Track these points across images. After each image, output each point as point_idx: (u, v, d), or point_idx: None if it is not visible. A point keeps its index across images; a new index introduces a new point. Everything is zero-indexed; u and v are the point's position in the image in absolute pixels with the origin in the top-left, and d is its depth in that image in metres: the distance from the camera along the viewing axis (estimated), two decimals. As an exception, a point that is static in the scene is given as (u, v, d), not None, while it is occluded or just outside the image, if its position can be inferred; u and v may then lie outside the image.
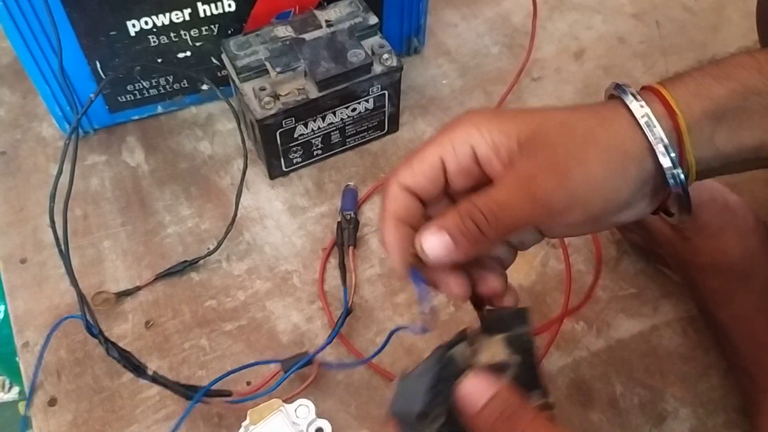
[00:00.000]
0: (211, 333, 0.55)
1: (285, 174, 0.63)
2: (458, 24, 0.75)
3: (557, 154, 0.33)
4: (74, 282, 0.48)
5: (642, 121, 0.33)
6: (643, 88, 0.35)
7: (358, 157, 0.65)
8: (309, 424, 0.48)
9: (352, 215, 0.59)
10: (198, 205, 0.62)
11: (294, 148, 0.61)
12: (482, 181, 0.35)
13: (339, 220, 0.59)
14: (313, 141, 0.61)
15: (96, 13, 0.57)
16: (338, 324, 0.53)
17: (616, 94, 0.34)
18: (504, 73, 0.71)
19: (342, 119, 0.61)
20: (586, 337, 0.54)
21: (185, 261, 0.57)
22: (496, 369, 0.34)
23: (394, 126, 0.65)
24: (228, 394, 0.50)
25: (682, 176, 0.33)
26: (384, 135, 0.65)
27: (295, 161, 0.62)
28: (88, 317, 0.48)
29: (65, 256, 0.48)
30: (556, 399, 0.51)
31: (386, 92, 0.61)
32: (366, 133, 0.64)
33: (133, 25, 0.58)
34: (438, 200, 0.37)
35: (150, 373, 0.48)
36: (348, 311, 0.54)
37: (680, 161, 0.33)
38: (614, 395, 0.52)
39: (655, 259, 0.57)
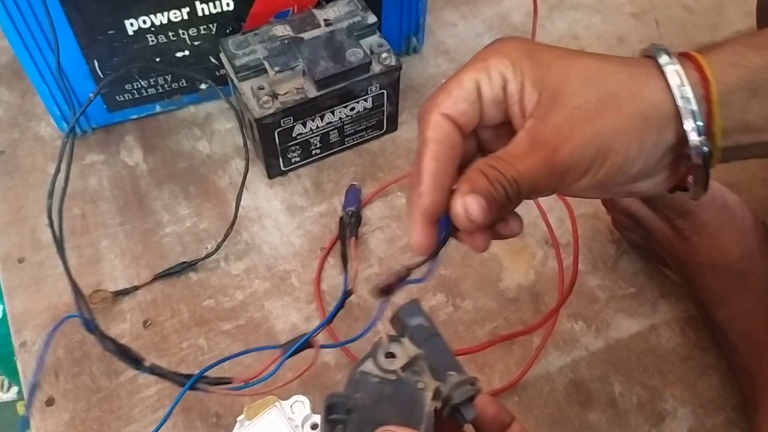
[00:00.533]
0: (210, 332, 0.55)
1: (283, 173, 0.63)
2: (457, 23, 0.75)
3: (575, 123, 0.32)
4: (70, 278, 0.48)
5: (673, 84, 0.32)
6: (679, 54, 0.33)
7: (357, 156, 0.65)
8: (304, 420, 0.48)
9: (355, 210, 0.59)
10: (196, 204, 0.62)
11: (292, 148, 0.61)
12: (508, 116, 0.35)
13: (341, 215, 0.59)
14: (311, 140, 0.61)
15: (94, 12, 0.56)
16: (338, 304, 0.53)
17: (651, 53, 0.33)
18: (503, 73, 0.71)
19: (341, 118, 0.61)
20: (585, 337, 0.54)
21: (184, 262, 0.57)
22: (413, 362, 0.36)
23: (392, 125, 0.65)
24: (228, 381, 0.49)
25: (706, 148, 0.32)
26: (383, 134, 0.65)
27: (293, 161, 0.62)
28: (86, 314, 0.48)
29: (61, 253, 0.48)
30: (554, 399, 0.51)
31: (385, 91, 0.61)
32: (365, 133, 0.64)
33: (132, 24, 0.58)
34: (470, 144, 0.36)
35: (147, 365, 0.48)
36: (348, 293, 0.54)
37: (706, 132, 0.32)
38: (613, 395, 0.51)
39: (654, 259, 0.57)
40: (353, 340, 0.51)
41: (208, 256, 0.58)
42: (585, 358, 0.53)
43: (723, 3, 0.77)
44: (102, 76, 0.61)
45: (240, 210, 0.59)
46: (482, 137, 0.37)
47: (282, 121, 0.57)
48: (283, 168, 0.62)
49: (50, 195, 0.49)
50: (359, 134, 0.64)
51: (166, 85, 0.64)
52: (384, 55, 0.59)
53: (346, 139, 0.63)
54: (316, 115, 0.59)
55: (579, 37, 0.74)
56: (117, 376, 0.52)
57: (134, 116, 0.66)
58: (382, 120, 0.64)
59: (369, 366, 0.36)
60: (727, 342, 0.50)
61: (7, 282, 0.57)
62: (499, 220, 0.35)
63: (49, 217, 0.48)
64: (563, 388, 0.52)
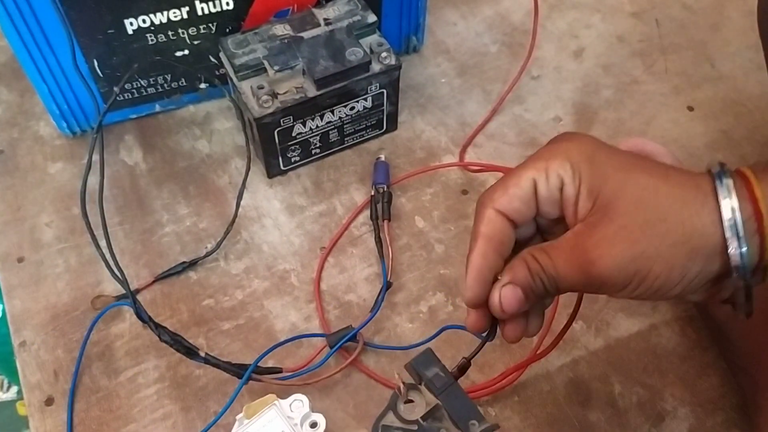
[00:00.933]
0: (209, 332, 0.54)
1: (283, 173, 0.63)
2: (457, 23, 0.75)
3: (619, 235, 0.33)
4: (119, 270, 0.50)
5: (727, 224, 0.31)
6: (738, 171, 0.33)
7: (357, 156, 0.64)
8: (303, 418, 0.48)
9: (385, 188, 0.59)
10: (196, 204, 0.62)
11: (292, 147, 0.61)
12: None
13: (372, 193, 0.60)
14: (311, 140, 0.61)
15: (93, 12, 0.56)
16: (380, 298, 0.54)
17: (713, 174, 0.33)
18: (503, 72, 0.71)
19: (340, 118, 0.61)
20: (585, 337, 0.54)
21: (184, 262, 0.57)
22: (433, 411, 0.37)
23: (392, 125, 0.65)
24: (279, 371, 0.50)
25: (751, 283, 0.32)
26: (382, 134, 0.65)
27: (293, 160, 0.62)
28: (137, 303, 0.50)
29: (108, 246, 0.50)
30: (554, 398, 0.51)
31: (385, 91, 0.61)
32: (364, 132, 0.64)
33: (131, 24, 0.58)
34: (527, 230, 0.39)
35: (202, 355, 0.49)
36: (388, 285, 0.55)
37: (755, 266, 0.32)
38: (613, 395, 0.51)
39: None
40: (395, 349, 0.53)
41: (207, 255, 0.58)
42: (585, 357, 0.53)
43: (723, 2, 0.77)
44: (102, 76, 0.61)
45: (240, 209, 0.59)
46: (540, 223, 0.39)
47: (282, 120, 0.57)
48: (282, 167, 0.62)
49: (83, 193, 0.51)
50: (359, 134, 0.64)
51: (165, 85, 0.64)
52: (384, 54, 0.59)
53: (345, 139, 0.63)
54: (316, 114, 0.59)
55: (579, 37, 0.74)
56: (116, 375, 0.52)
57: (134, 115, 0.66)
58: (382, 119, 0.64)
59: (390, 419, 0.37)
60: (727, 341, 0.50)
61: (6, 281, 0.57)
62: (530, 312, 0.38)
63: (84, 213, 0.50)
64: (563, 387, 0.52)
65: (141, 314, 0.49)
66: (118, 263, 0.50)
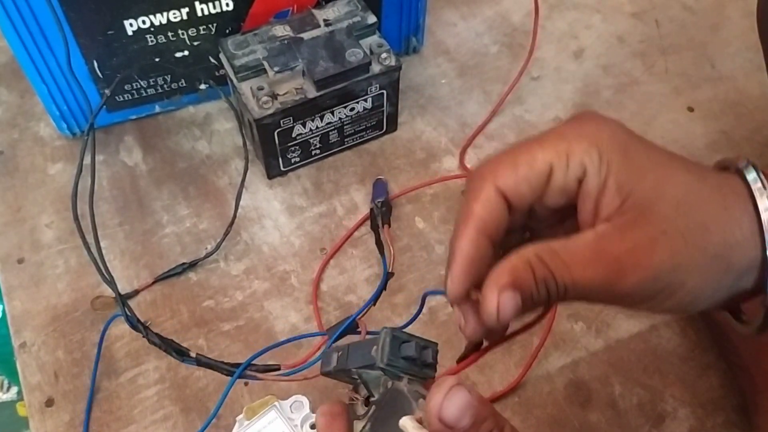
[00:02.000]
0: (209, 333, 0.54)
1: (283, 174, 0.63)
2: (457, 23, 0.75)
3: (656, 251, 0.28)
4: (110, 276, 0.50)
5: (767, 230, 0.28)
6: None
7: (357, 156, 0.64)
8: (303, 420, 0.48)
9: (384, 200, 0.60)
10: (196, 204, 0.62)
11: (292, 148, 0.61)
12: (572, 207, 0.31)
13: (371, 207, 0.60)
14: (311, 141, 0.61)
15: (93, 13, 0.56)
16: (380, 286, 0.54)
17: (743, 173, 0.30)
18: (503, 73, 0.71)
19: (340, 119, 0.61)
20: (585, 338, 0.54)
21: (184, 263, 0.57)
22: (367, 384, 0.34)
23: (392, 126, 0.65)
24: (277, 368, 0.50)
25: None
26: (382, 135, 0.65)
27: (293, 161, 0.62)
28: (127, 312, 0.49)
29: (97, 251, 0.50)
30: (554, 399, 0.51)
31: (385, 92, 0.61)
32: (364, 133, 0.64)
33: (131, 25, 0.58)
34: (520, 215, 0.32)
35: (193, 356, 0.49)
36: (389, 274, 0.55)
37: None
38: (613, 395, 0.51)
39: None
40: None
41: (207, 256, 0.58)
42: (585, 358, 0.53)
43: (723, 3, 0.77)
44: (101, 76, 0.61)
45: (239, 210, 0.59)
46: (533, 214, 0.33)
47: (281, 121, 0.57)
48: (282, 168, 0.62)
49: (74, 195, 0.50)
50: (359, 134, 0.64)
51: (165, 86, 0.64)
52: (384, 55, 0.59)
53: (345, 140, 0.63)
54: (316, 115, 0.59)
55: (579, 38, 0.74)
56: (117, 376, 0.52)
57: (134, 116, 0.66)
58: (382, 120, 0.64)
59: (359, 427, 0.33)
60: (727, 342, 0.50)
61: (6, 282, 0.57)
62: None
63: (75, 215, 0.50)
64: (563, 388, 0.52)
65: (130, 320, 0.49)
66: (107, 267, 0.49)
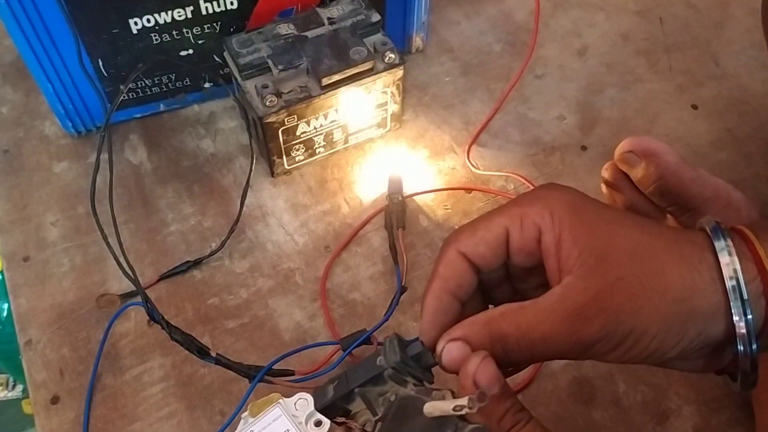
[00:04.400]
0: (214, 331, 0.55)
1: (287, 172, 0.63)
2: (461, 22, 0.75)
3: (615, 295, 0.30)
4: (130, 268, 0.50)
5: (729, 284, 0.29)
6: (734, 230, 0.31)
7: (361, 154, 0.65)
8: (308, 417, 0.48)
9: (399, 198, 0.59)
10: (200, 203, 0.62)
11: (296, 146, 0.61)
12: (541, 264, 0.33)
13: (386, 203, 0.60)
14: (315, 139, 0.61)
15: (98, 11, 0.57)
16: (394, 302, 0.54)
17: (705, 229, 0.31)
18: (507, 71, 0.71)
19: (344, 117, 0.61)
20: (589, 335, 0.54)
21: (188, 261, 0.57)
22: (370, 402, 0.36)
23: (396, 124, 0.65)
24: (291, 373, 0.50)
25: (755, 347, 0.29)
26: (386, 133, 0.65)
27: (297, 159, 0.62)
28: (148, 303, 0.49)
29: (118, 243, 0.50)
30: (558, 397, 0.51)
31: (389, 90, 0.61)
32: (368, 131, 0.64)
33: (136, 23, 0.58)
34: (496, 274, 0.35)
35: (213, 355, 0.49)
36: (402, 289, 0.55)
37: (760, 331, 0.29)
38: (617, 393, 0.51)
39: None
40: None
41: (212, 254, 0.58)
42: (589, 356, 0.53)
43: (727, 0, 0.77)
44: (106, 75, 0.61)
45: (244, 208, 0.59)
46: (513, 272, 0.36)
47: (286, 119, 0.58)
48: (287, 166, 0.62)
49: (92, 192, 0.51)
50: (363, 132, 0.64)
51: (170, 84, 0.64)
52: (388, 53, 0.59)
53: (349, 138, 0.63)
54: (320, 113, 0.59)
55: (582, 36, 0.74)
56: (122, 374, 0.53)
57: (138, 115, 0.66)
58: (386, 118, 0.64)
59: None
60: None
61: (12, 280, 0.57)
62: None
63: (93, 211, 0.50)
64: (567, 386, 0.52)
65: (153, 314, 0.49)
66: (129, 261, 0.50)
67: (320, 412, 0.36)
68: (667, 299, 0.29)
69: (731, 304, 0.29)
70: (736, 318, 0.29)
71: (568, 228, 0.31)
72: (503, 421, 0.31)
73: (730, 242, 0.30)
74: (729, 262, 0.29)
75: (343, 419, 0.36)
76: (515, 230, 0.33)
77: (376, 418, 0.34)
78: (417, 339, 0.34)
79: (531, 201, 0.33)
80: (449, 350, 0.32)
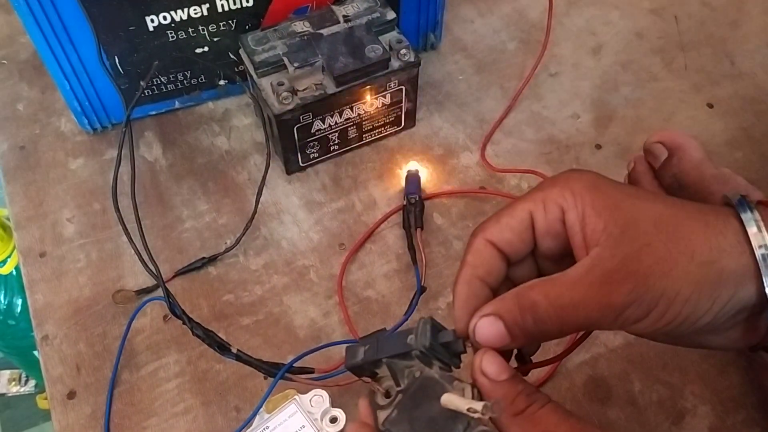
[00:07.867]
0: (229, 327, 0.55)
1: (302, 169, 0.63)
2: (475, 20, 0.75)
3: (643, 259, 0.30)
4: (153, 263, 0.50)
5: (755, 242, 0.29)
6: (760, 203, 0.31)
7: (375, 152, 0.65)
8: (323, 413, 0.48)
9: (417, 198, 0.59)
10: (215, 200, 0.62)
11: (311, 144, 0.61)
12: (568, 248, 0.34)
13: (404, 203, 0.60)
14: (330, 136, 0.61)
15: (115, 9, 0.57)
16: (413, 303, 0.54)
17: (730, 200, 0.31)
18: (521, 69, 0.71)
19: (359, 114, 0.61)
20: (604, 334, 0.54)
21: (203, 257, 0.58)
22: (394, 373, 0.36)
23: (410, 122, 0.65)
24: (311, 371, 0.50)
25: None
26: (401, 131, 0.65)
27: (312, 156, 0.62)
28: (170, 297, 0.50)
29: (141, 238, 0.51)
30: (574, 396, 0.51)
31: (403, 88, 0.61)
32: (383, 129, 0.64)
33: (152, 21, 0.58)
34: (524, 260, 0.36)
35: (234, 351, 0.49)
36: (422, 289, 0.55)
37: None
38: (633, 392, 0.51)
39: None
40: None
41: (227, 251, 0.58)
42: (604, 354, 0.53)
43: (743, -1, 0.76)
44: (122, 72, 0.61)
45: (259, 205, 0.59)
46: (542, 265, 0.37)
47: (301, 117, 0.58)
48: (301, 164, 0.63)
49: (114, 187, 0.52)
50: (377, 130, 0.64)
51: (185, 81, 0.65)
52: (403, 51, 0.59)
53: (364, 135, 0.63)
54: (335, 111, 0.59)
55: (597, 34, 0.74)
56: (138, 369, 0.53)
57: (153, 112, 0.67)
58: (401, 116, 0.64)
59: (384, 415, 0.35)
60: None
61: (28, 276, 0.58)
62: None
63: (116, 205, 0.51)
64: (582, 385, 0.52)
65: (174, 309, 0.49)
66: (152, 256, 0.50)
67: (349, 370, 0.37)
68: (695, 261, 0.30)
69: (762, 272, 0.29)
70: (763, 264, 0.29)
71: (590, 204, 0.32)
72: (516, 401, 0.31)
73: (757, 214, 0.30)
74: (756, 232, 0.30)
75: (369, 380, 0.36)
76: (539, 213, 0.34)
77: (399, 389, 0.35)
78: (449, 328, 0.35)
79: (552, 184, 0.34)
80: (481, 326, 0.33)
